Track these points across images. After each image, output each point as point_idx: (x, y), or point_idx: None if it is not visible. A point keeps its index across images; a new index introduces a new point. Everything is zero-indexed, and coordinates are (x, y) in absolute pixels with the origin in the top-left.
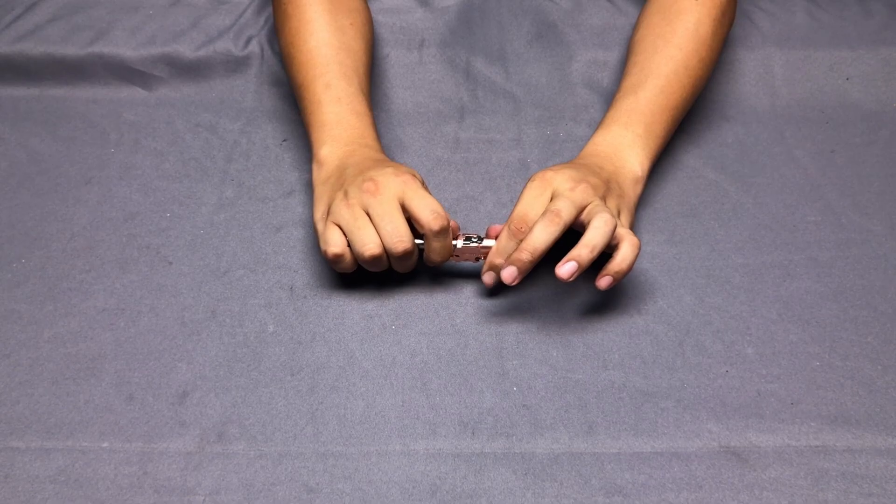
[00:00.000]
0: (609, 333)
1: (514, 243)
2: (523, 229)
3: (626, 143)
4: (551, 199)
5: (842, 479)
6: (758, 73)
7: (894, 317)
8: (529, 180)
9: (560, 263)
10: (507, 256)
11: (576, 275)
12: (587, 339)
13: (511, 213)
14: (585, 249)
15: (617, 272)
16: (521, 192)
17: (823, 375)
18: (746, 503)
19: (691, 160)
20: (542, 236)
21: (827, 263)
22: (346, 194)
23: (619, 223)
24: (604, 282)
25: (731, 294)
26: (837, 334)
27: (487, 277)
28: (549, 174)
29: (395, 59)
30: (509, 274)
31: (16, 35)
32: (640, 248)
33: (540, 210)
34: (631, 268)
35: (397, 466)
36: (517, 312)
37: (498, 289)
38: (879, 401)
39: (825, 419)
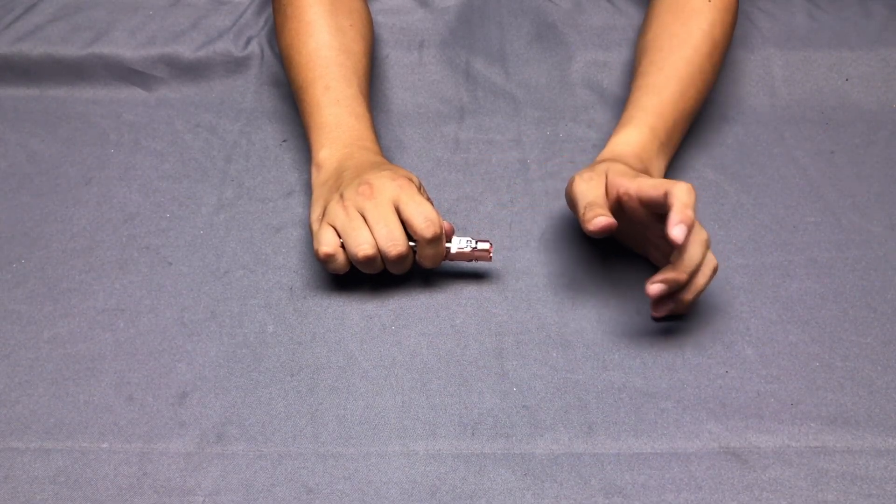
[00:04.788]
0: (609, 334)
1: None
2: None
3: (654, 151)
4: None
5: (841, 479)
6: (758, 73)
7: (894, 317)
8: (695, 233)
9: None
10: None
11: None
12: (587, 339)
13: (683, 257)
14: (691, 293)
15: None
16: (687, 245)
17: (823, 376)
18: None
19: (691, 160)
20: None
21: (827, 264)
22: (342, 196)
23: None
24: (654, 288)
25: (731, 294)
26: (837, 335)
27: (655, 288)
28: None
29: (395, 60)
30: (661, 311)
31: (16, 35)
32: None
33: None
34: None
35: (397, 467)
36: (517, 313)
37: (497, 289)
38: (879, 401)
39: (825, 420)
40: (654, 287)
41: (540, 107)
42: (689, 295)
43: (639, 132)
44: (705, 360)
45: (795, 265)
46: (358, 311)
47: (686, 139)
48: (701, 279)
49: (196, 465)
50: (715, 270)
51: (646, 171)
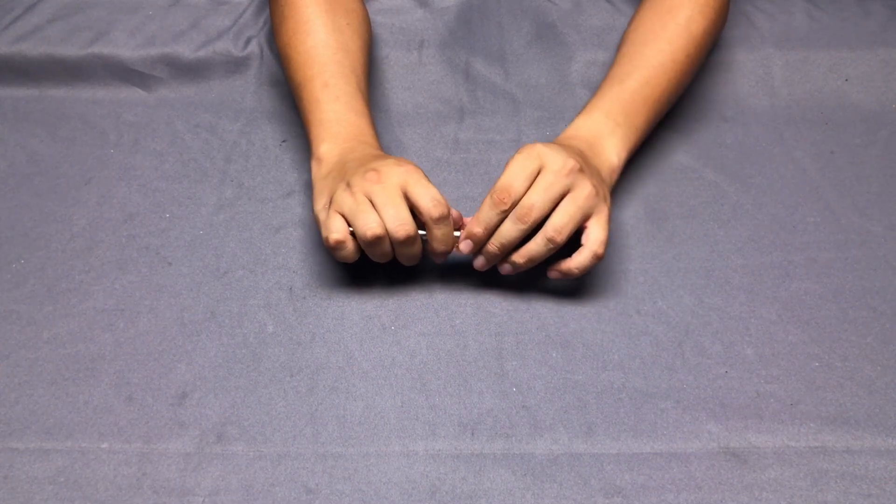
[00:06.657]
0: (609, 334)
1: (496, 213)
2: (505, 200)
3: (606, 132)
4: (538, 174)
5: (841, 479)
6: (757, 73)
7: (894, 318)
8: (518, 151)
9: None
10: (485, 225)
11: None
12: (587, 339)
13: (496, 183)
14: (521, 259)
15: (566, 271)
16: (508, 162)
17: (823, 376)
18: None
19: (691, 161)
20: (510, 233)
21: (826, 264)
22: (348, 185)
23: (600, 224)
24: (553, 274)
25: (731, 295)
26: (837, 335)
27: (477, 262)
28: (539, 148)
29: (395, 60)
30: (479, 263)
31: (16, 35)
32: (599, 259)
33: (525, 183)
34: (582, 272)
35: (396, 467)
36: (517, 313)
37: (496, 289)
38: (879, 401)
39: (825, 420)
40: (462, 244)
41: (540, 107)
42: (491, 246)
43: (591, 119)
44: (705, 360)
45: (795, 265)
46: (358, 311)
47: (686, 140)
48: (502, 230)
49: (196, 466)
50: (522, 219)
51: (595, 154)
